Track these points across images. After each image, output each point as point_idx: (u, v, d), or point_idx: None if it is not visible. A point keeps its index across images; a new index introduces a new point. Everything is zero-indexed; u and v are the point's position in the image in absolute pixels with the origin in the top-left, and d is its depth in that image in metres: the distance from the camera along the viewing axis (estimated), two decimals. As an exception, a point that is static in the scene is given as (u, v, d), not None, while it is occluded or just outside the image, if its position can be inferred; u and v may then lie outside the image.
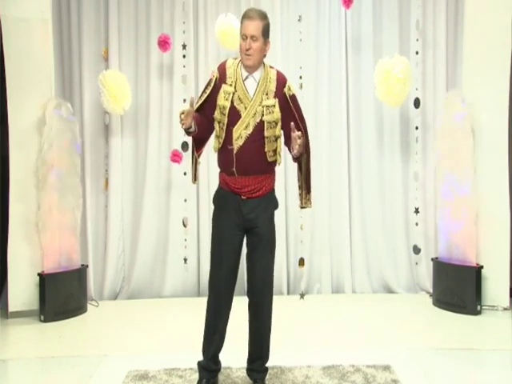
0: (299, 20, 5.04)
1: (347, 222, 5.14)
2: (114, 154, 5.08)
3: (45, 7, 4.56)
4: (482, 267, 4.44)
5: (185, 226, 5.06)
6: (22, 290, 4.45)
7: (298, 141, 2.75)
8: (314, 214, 5.13)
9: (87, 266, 4.86)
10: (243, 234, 2.93)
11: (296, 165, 3.04)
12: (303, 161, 2.98)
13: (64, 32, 5.03)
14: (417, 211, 5.10)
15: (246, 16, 2.83)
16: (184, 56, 5.03)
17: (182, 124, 2.77)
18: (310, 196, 3.06)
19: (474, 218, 4.50)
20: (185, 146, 4.93)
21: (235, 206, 2.88)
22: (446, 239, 4.63)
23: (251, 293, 2.97)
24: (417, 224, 5.10)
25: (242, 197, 2.87)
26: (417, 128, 5.08)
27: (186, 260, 5.08)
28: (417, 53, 5.03)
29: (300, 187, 3.06)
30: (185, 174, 4.94)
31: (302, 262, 5.05)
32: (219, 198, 2.99)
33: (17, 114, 4.43)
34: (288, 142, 2.94)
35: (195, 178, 3.08)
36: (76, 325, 4.34)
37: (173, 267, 5.07)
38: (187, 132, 2.87)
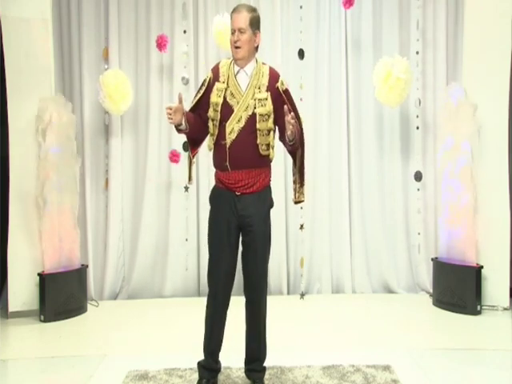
0: (299, 20, 5.04)
1: (347, 222, 5.13)
2: (114, 154, 5.07)
3: (45, 7, 4.56)
4: (482, 267, 4.43)
5: (185, 225, 5.07)
6: (22, 290, 4.45)
7: (292, 121, 2.72)
8: (314, 214, 5.14)
9: (87, 266, 4.86)
10: (238, 231, 2.93)
11: (291, 160, 3.05)
12: (297, 154, 2.98)
13: (64, 32, 5.03)
14: (417, 211, 5.09)
15: (233, 11, 2.88)
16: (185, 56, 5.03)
17: (170, 119, 2.78)
18: (303, 189, 3.05)
19: (473, 218, 4.50)
20: (186, 146, 4.91)
21: (230, 203, 2.88)
22: (446, 239, 4.63)
23: (247, 290, 2.97)
24: (417, 224, 5.10)
25: (236, 193, 2.88)
26: (417, 128, 5.08)
27: (186, 260, 5.08)
28: (417, 53, 5.03)
29: (294, 181, 3.05)
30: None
31: (301, 262, 5.05)
32: (214, 197, 3.00)
33: (17, 113, 4.43)
34: (283, 137, 2.93)
35: (190, 178, 3.11)
36: (76, 325, 4.34)
37: (173, 267, 5.06)
38: (178, 129, 2.89)
